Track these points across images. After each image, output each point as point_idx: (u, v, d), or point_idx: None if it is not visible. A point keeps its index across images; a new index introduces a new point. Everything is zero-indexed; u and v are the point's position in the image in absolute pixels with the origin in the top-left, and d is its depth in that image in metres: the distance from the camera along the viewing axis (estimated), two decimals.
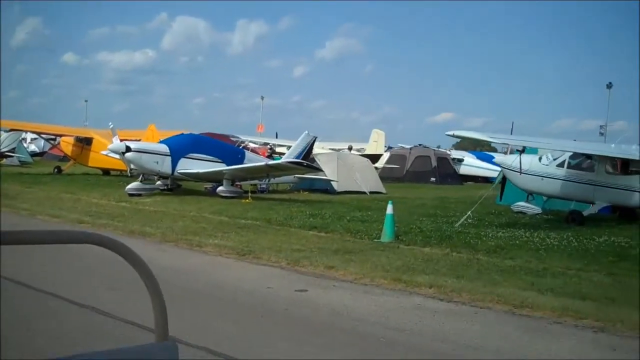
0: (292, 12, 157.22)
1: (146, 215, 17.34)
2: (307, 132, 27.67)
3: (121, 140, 23.52)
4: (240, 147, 26.28)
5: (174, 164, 23.14)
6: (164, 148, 23.10)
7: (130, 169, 23.77)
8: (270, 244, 12.90)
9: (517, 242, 14.09)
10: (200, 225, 15.51)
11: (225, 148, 25.34)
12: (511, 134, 20.23)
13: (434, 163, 42.53)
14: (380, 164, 42.22)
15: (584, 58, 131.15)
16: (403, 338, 6.97)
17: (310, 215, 17.77)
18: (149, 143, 24.08)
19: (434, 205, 23.24)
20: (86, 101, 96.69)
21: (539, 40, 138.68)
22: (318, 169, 24.73)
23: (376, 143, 42.31)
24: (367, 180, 28.50)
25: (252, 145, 41.13)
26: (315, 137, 28.42)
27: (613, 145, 19.24)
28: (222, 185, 23.28)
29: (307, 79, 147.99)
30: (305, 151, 27.14)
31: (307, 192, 27.57)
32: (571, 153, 18.63)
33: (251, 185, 26.58)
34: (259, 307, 8.09)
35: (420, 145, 46.04)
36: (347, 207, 20.79)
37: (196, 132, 33.28)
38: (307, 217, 17.38)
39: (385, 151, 44.28)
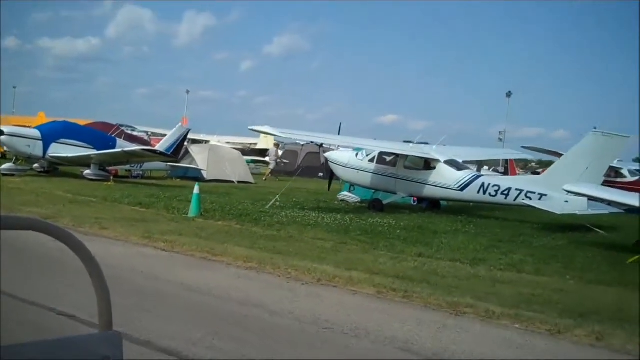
0: (240, 6, 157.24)
1: (3, 190, 19.55)
2: (180, 124, 30.29)
3: None
4: (113, 136, 28.45)
5: (45, 148, 25.36)
6: (36, 133, 25.30)
7: (5, 152, 25.89)
8: (83, 213, 15.49)
9: (298, 219, 17.10)
10: (38, 199, 17.95)
11: (96, 135, 27.60)
12: (339, 134, 23.36)
13: (323, 159, 45.52)
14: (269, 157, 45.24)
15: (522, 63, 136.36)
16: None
17: (148, 196, 20.42)
18: (23, 128, 26.20)
19: (283, 193, 26.20)
20: (14, 87, 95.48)
21: (484, 47, 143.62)
22: (172, 158, 27.27)
23: (266, 138, 45.12)
24: (236, 171, 31.30)
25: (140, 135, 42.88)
26: (189, 130, 31.04)
27: (411, 145, 22.66)
28: (90, 168, 25.66)
29: (253, 74, 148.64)
30: (178, 142, 29.68)
31: (179, 180, 30.08)
32: (380, 150, 21.90)
33: (126, 171, 29.11)
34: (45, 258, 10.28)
35: (312, 142, 49.04)
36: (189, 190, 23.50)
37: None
38: (143, 197, 20.00)
39: (280, 147, 47.09)
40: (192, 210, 16.79)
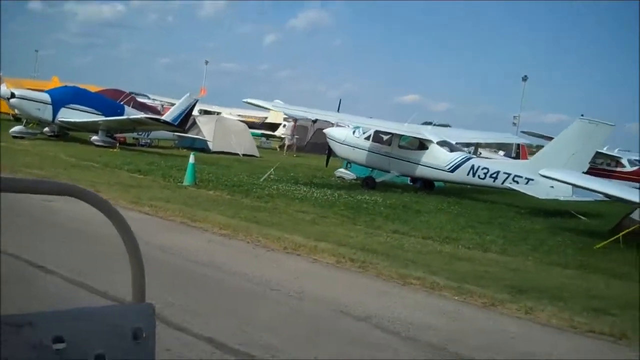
0: None
1: (9, 152, 20.40)
2: (188, 94, 30.89)
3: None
4: (122, 104, 29.20)
5: (55, 113, 26.18)
6: (46, 97, 26.09)
7: (17, 114, 26.76)
8: (80, 177, 16.25)
9: (288, 193, 17.75)
10: (42, 161, 18.74)
11: (104, 102, 28.37)
12: (338, 111, 23.86)
13: None
14: (279, 132, 45.86)
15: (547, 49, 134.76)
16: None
17: (149, 163, 21.18)
18: (33, 91, 26.98)
19: (281, 167, 26.81)
20: (37, 51, 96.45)
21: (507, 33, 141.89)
22: (176, 127, 27.95)
23: (276, 113, 45.62)
24: (242, 144, 31.97)
25: (154, 104, 43.68)
26: (197, 100, 31.69)
27: (406, 124, 23.13)
28: (97, 135, 26.46)
29: (276, 47, 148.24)
30: (185, 111, 30.39)
31: (185, 150, 30.79)
32: (375, 129, 22.41)
33: (133, 139, 29.91)
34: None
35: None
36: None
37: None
38: (144, 164, 20.76)
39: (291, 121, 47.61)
40: (187, 179, 17.50)
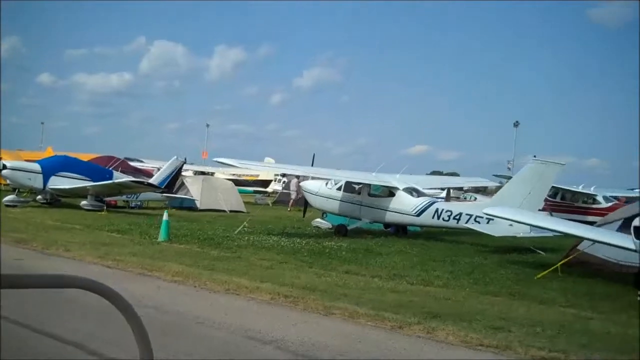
0: (271, 40, 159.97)
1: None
2: (175, 157, 32.23)
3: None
4: (110, 169, 30.53)
5: (45, 181, 27.47)
6: (37, 167, 27.45)
7: (7, 184, 28.09)
8: (56, 238, 17.30)
9: (257, 243, 18.72)
10: (27, 227, 19.81)
11: (93, 168, 29.66)
12: (312, 165, 25.06)
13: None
14: (271, 188, 47.12)
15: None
16: None
17: (131, 223, 22.27)
18: (24, 162, 28.39)
19: (269, 221, 27.77)
20: (42, 123, 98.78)
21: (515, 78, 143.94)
22: (159, 189, 29.12)
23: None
24: (229, 201, 33.08)
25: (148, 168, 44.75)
26: (184, 162, 33.00)
27: (374, 174, 24.24)
28: (86, 199, 27.67)
29: (283, 107, 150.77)
30: (173, 174, 31.65)
31: (174, 209, 31.93)
32: (347, 179, 23.53)
33: (124, 201, 31.12)
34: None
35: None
36: (177, 219, 25.32)
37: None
38: (126, 224, 21.85)
39: (281, 178, 48.89)
40: (161, 235, 18.53)
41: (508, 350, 8.17)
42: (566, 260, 14.94)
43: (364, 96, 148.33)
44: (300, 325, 9.04)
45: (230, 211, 32.26)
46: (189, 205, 32.44)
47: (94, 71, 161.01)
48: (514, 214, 16.41)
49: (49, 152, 36.01)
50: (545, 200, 31.35)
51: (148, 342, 1.57)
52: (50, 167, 27.68)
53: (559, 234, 17.50)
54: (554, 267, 14.82)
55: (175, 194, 32.65)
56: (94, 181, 28.06)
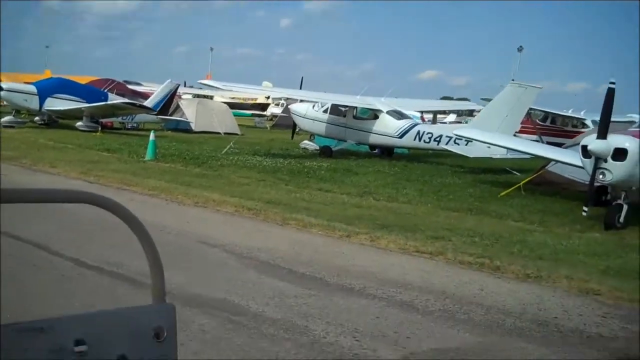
0: None
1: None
2: (169, 80, 32.57)
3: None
4: (105, 91, 31.02)
5: (42, 102, 28.04)
6: (32, 89, 27.96)
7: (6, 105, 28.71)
8: (46, 156, 18.03)
9: (240, 163, 19.40)
10: (20, 145, 20.52)
11: (88, 90, 30.13)
12: (300, 88, 25.46)
13: None
14: (269, 111, 47.59)
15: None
16: None
17: (121, 144, 22.94)
18: (20, 84, 28.85)
19: (259, 143, 28.44)
20: (47, 47, 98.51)
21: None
22: (151, 110, 29.63)
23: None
24: (223, 123, 33.64)
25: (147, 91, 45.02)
26: (178, 85, 33.38)
27: (358, 97, 24.64)
28: (82, 121, 28.31)
29: (292, 31, 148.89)
30: (167, 97, 32.08)
31: (170, 131, 32.59)
32: (333, 102, 23.97)
33: (120, 123, 31.75)
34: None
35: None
36: (170, 140, 25.99)
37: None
38: (117, 144, 22.54)
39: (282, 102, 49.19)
40: (148, 154, 19.22)
41: (440, 256, 8.89)
42: (529, 179, 15.57)
43: (373, 21, 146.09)
44: (254, 233, 9.78)
45: (225, 133, 32.84)
46: (184, 128, 33.05)
47: None
48: (480, 134, 16.94)
49: (47, 75, 36.40)
50: (536, 124, 31.82)
51: (159, 259, 1.56)
52: (46, 89, 28.17)
53: (527, 155, 18.03)
54: (517, 185, 15.46)
55: (171, 116, 33.22)
56: (89, 103, 28.56)
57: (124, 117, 31.00)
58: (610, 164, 11.41)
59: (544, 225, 12.01)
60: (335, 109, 23.95)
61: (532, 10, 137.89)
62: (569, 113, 32.53)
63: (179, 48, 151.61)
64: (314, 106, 24.61)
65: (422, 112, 30.70)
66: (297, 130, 26.75)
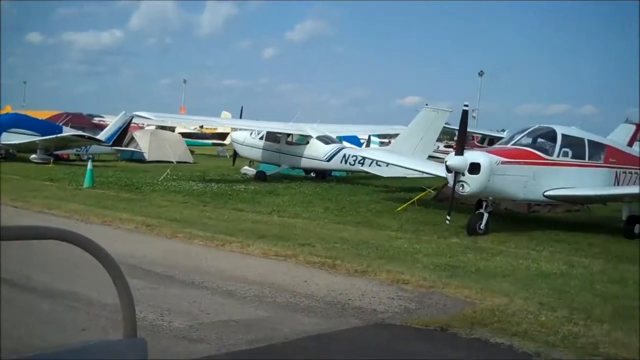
0: None
1: None
2: (123, 112, 33.99)
3: None
4: (60, 125, 32.39)
5: None
6: None
7: None
8: None
9: (172, 188, 20.75)
10: None
11: (43, 124, 31.48)
12: (240, 117, 27.02)
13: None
14: (228, 140, 49.02)
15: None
16: None
17: (68, 173, 24.22)
18: None
19: (207, 170, 29.79)
20: (25, 82, 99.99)
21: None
22: (101, 142, 31.01)
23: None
24: (176, 152, 35.06)
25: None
26: (132, 117, 34.80)
27: (290, 123, 26.26)
28: (37, 153, 29.60)
29: (276, 61, 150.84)
30: (121, 129, 33.48)
31: (124, 162, 33.93)
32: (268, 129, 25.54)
33: (75, 155, 33.04)
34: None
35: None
36: (119, 169, 27.33)
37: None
38: (62, 174, 23.83)
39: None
40: (86, 182, 20.54)
41: (293, 258, 10.30)
42: (420, 196, 17.11)
43: (358, 48, 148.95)
44: (137, 243, 11.15)
45: (177, 162, 34.22)
46: (138, 158, 34.38)
47: (84, 29, 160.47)
48: (380, 155, 18.59)
49: (8, 110, 37.83)
50: (474, 145, 33.58)
51: (130, 293, 1.59)
52: (2, 124, 29.47)
53: (423, 173, 19.52)
54: (410, 201, 16.98)
55: (127, 147, 34.62)
56: (44, 136, 29.88)
57: (79, 149, 32.31)
58: (467, 177, 12.94)
59: (416, 233, 13.50)
60: (270, 136, 25.48)
61: (515, 33, 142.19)
62: (504, 134, 34.32)
63: (163, 80, 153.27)
64: (251, 134, 26.12)
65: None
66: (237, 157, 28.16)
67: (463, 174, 13.01)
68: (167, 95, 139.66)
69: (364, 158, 23.21)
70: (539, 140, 14.41)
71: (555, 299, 8.20)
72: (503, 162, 13.02)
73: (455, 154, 13.22)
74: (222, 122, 26.57)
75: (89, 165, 21.03)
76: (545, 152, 13.90)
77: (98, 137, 32.19)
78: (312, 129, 25.49)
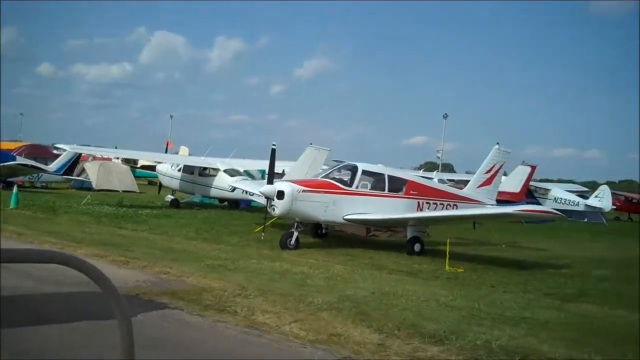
0: (270, 31, 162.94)
1: None
2: (75, 144, 37.77)
3: None
4: (14, 154, 36.13)
5: None
6: None
7: None
8: None
9: (89, 211, 24.26)
10: None
11: None
12: (165, 152, 30.82)
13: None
14: None
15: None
16: None
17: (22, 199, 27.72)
18: None
19: (138, 199, 33.44)
20: (22, 114, 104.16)
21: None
22: (44, 170, 34.76)
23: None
24: (123, 182, 38.82)
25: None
26: (80, 154, 38.39)
27: (202, 157, 30.04)
28: None
29: (284, 97, 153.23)
30: (71, 161, 37.18)
31: (74, 190, 37.63)
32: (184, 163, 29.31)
33: (29, 182, 36.72)
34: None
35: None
36: (62, 195, 30.89)
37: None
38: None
39: None
40: (11, 203, 24.10)
41: (106, 258, 13.66)
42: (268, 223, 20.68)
43: (365, 86, 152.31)
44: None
45: (124, 191, 37.89)
46: (87, 186, 38.03)
47: (95, 62, 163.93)
48: (243, 184, 22.28)
49: None
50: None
51: (127, 314, 1.58)
52: None
53: None
54: (266, 224, 20.52)
55: (79, 176, 38.44)
56: None
57: (31, 177, 36.02)
58: (276, 201, 16.55)
59: (254, 247, 16.87)
60: (187, 168, 29.24)
61: (517, 79, 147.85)
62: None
63: (170, 114, 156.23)
64: (172, 166, 29.85)
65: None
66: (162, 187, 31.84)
67: (273, 199, 16.59)
68: (175, 128, 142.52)
69: None
70: (343, 173, 18.06)
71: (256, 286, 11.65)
72: (304, 191, 16.65)
73: (267, 183, 16.88)
74: (141, 155, 30.22)
75: (15, 189, 24.64)
76: (345, 183, 17.56)
77: (49, 167, 36.02)
78: (221, 163, 29.23)
